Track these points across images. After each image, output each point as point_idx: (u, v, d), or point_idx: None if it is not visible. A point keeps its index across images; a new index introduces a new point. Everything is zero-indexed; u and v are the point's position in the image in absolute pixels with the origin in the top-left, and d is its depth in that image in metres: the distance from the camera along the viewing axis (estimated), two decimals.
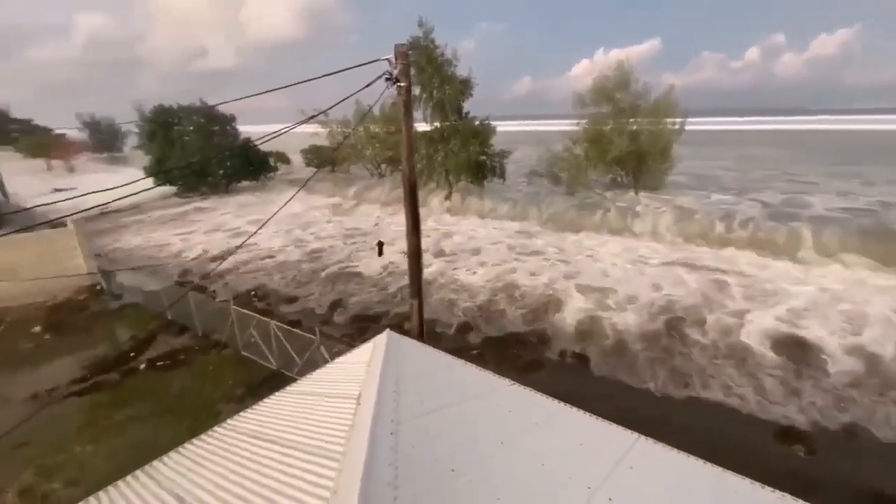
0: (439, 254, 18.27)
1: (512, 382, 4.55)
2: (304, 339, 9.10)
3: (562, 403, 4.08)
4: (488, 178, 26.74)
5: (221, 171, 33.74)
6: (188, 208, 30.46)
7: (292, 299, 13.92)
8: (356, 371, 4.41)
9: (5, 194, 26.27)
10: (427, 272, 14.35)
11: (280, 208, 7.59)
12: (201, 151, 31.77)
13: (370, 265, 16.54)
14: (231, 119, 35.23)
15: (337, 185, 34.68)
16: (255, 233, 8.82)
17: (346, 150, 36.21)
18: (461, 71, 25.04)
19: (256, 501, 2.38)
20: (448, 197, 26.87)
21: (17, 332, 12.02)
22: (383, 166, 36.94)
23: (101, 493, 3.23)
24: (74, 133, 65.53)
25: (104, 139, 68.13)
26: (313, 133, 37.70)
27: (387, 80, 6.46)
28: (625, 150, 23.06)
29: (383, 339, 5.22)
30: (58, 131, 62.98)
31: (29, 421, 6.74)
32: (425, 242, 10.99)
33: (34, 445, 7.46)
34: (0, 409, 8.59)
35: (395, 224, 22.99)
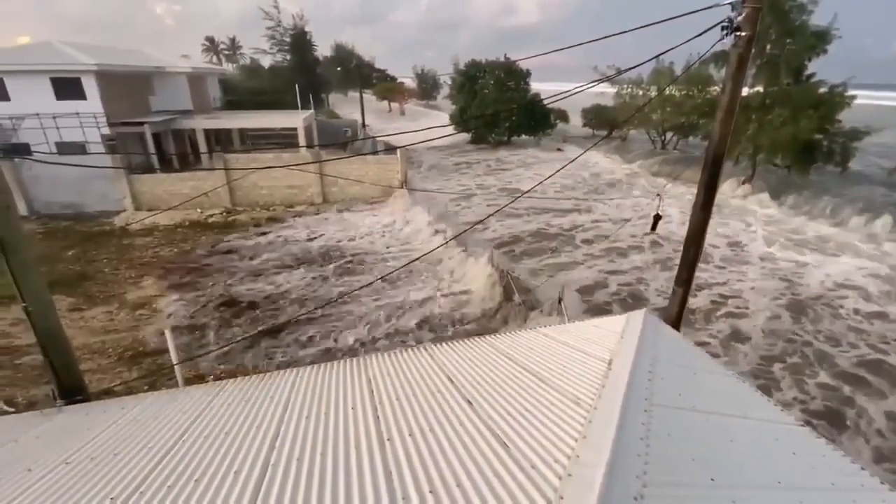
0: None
1: (801, 423, 3.60)
2: None
3: (880, 481, 2.99)
4: (819, 165, 20.30)
5: (507, 124, 36.71)
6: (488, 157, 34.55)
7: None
8: (607, 337, 4.30)
9: (364, 125, 35.90)
10: None
11: (569, 162, 7.81)
12: (494, 104, 35.24)
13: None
14: (527, 74, 37.28)
15: (615, 150, 33.23)
16: (538, 184, 9.36)
17: (629, 113, 33.79)
18: (818, 19, 19.02)
19: (509, 409, 2.68)
20: (747, 181, 21.97)
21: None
22: (668, 134, 32.92)
23: (393, 353, 4.29)
24: (408, 82, 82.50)
25: (426, 88, 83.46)
26: (599, 93, 36.35)
27: (723, 28, 5.49)
28: None
29: (639, 316, 4.87)
30: (399, 80, 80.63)
31: None
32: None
33: None
34: None
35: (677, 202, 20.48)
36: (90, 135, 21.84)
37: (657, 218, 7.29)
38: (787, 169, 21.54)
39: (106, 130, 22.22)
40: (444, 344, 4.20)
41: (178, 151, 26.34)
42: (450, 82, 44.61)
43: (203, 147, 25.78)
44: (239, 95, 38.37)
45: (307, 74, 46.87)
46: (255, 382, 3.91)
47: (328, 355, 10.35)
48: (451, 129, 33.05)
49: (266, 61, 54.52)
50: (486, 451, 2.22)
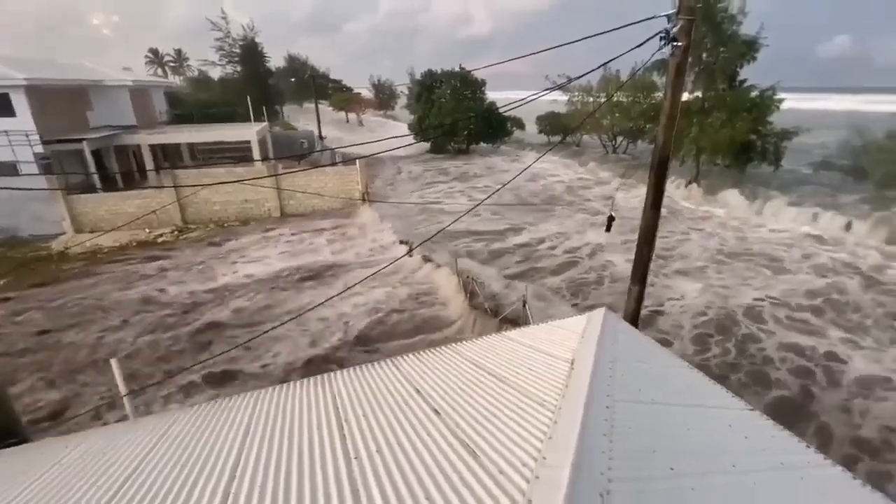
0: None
1: (752, 407, 3.81)
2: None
3: (824, 457, 3.21)
4: (755, 164, 21.84)
5: (465, 133, 37.24)
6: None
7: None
8: (568, 337, 4.41)
9: (321, 136, 35.38)
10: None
11: (524, 169, 8.02)
12: (452, 113, 35.69)
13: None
14: (482, 84, 38.02)
15: (572, 156, 34.28)
16: (498, 189, 9.49)
17: (581, 119, 35.07)
18: (748, 28, 20.55)
19: (476, 416, 2.69)
20: (693, 182, 23.27)
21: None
22: (619, 139, 34.43)
23: (358, 367, 4.21)
24: (365, 92, 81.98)
25: (383, 98, 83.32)
26: (553, 100, 37.57)
27: (661, 38, 5.82)
28: None
29: (599, 315, 5.02)
30: (356, 90, 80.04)
31: None
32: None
33: None
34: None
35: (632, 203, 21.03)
36: (22, 154, 20.30)
37: (611, 219, 7.60)
38: (727, 168, 23.02)
39: (40, 149, 20.72)
40: (409, 355, 4.17)
41: (121, 169, 24.91)
42: (407, 92, 44.76)
43: (150, 164, 24.54)
44: (187, 109, 36.91)
45: (259, 86, 45.73)
46: (212, 409, 3.73)
47: None
48: (409, 139, 33.04)
49: (215, 73, 52.70)
50: (454, 461, 2.22)
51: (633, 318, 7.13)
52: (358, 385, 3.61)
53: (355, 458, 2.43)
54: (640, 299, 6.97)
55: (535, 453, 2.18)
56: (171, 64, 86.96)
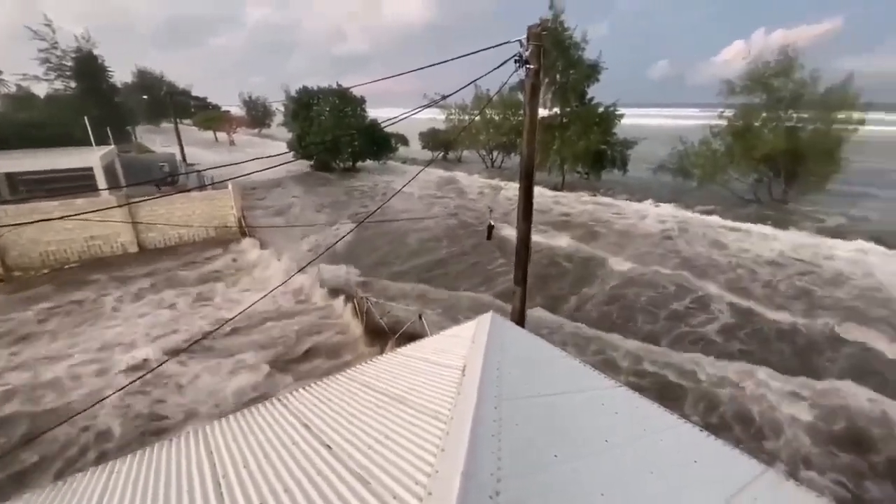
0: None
1: (619, 384, 4.31)
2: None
3: (677, 417, 3.76)
4: (607, 169, 25.22)
5: (350, 150, 36.62)
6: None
7: None
8: (460, 344, 4.54)
9: (184, 159, 31.86)
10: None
11: (410, 179, 8.11)
12: (333, 130, 34.85)
13: None
14: (362, 101, 37.83)
15: (450, 170, 35.57)
16: (388, 199, 9.44)
17: (457, 135, 36.96)
18: (590, 54, 23.74)
19: (370, 442, 2.61)
20: (559, 188, 25.95)
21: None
22: (495, 153, 36.91)
23: (245, 411, 3.82)
24: (235, 110, 76.24)
25: (257, 116, 78.32)
26: (431, 118, 39.04)
27: (516, 62, 6.39)
28: (778, 149, 19.89)
29: (487, 319, 5.28)
30: (224, 108, 73.99)
31: None
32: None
33: None
34: None
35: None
36: None
37: (490, 228, 8.08)
38: (587, 175, 26.21)
39: None
40: (299, 389, 3.90)
41: None
42: (283, 109, 42.63)
43: None
44: (2, 131, 30.43)
45: (102, 104, 39.70)
46: (49, 494, 3.05)
47: None
48: (285, 158, 31.41)
49: (41, 89, 44.35)
50: (345, 496, 2.11)
51: (520, 318, 7.63)
52: (239, 432, 3.27)
53: None
54: (523, 300, 7.49)
55: (429, 468, 2.17)
56: None
